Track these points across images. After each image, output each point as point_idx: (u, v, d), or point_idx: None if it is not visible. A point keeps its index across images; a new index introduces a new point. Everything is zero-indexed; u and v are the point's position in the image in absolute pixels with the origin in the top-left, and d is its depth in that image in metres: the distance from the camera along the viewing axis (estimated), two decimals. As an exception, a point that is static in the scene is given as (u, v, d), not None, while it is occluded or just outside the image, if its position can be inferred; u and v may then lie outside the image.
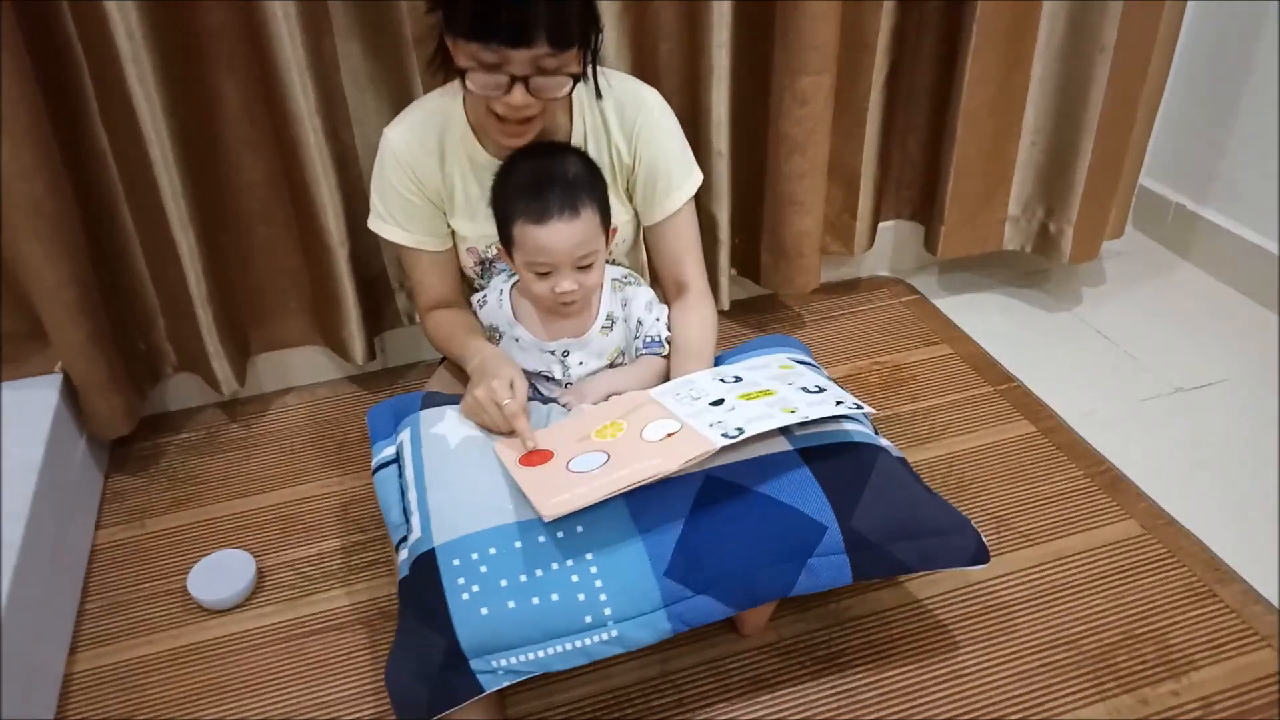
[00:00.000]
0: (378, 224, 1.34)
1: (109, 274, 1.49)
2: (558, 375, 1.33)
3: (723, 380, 1.22)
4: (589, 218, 1.21)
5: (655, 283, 1.45)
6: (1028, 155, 1.82)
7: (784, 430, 1.17)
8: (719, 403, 1.16)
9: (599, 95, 1.27)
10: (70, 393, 1.47)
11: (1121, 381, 1.72)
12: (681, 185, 1.33)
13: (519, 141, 1.23)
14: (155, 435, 1.65)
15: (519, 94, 1.14)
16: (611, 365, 1.34)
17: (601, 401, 1.26)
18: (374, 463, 1.25)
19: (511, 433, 1.17)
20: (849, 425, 1.21)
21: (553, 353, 1.31)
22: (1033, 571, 1.33)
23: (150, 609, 1.33)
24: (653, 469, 1.05)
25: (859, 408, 1.16)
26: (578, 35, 1.14)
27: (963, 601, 1.29)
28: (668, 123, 1.32)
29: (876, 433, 1.27)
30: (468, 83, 1.15)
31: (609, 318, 1.31)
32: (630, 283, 1.34)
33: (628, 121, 1.29)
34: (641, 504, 1.08)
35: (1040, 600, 1.29)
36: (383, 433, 1.28)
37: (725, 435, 1.08)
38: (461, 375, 1.34)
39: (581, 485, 1.06)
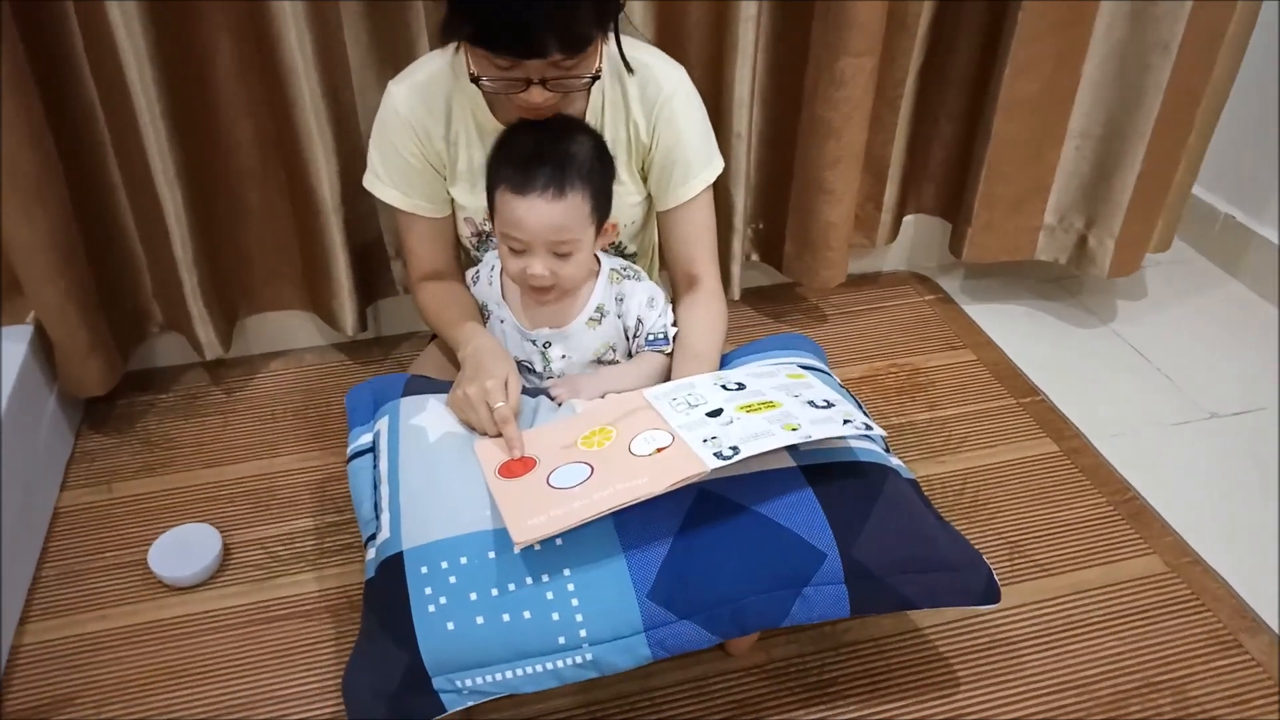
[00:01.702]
0: (374, 183, 1.26)
1: (96, 229, 1.41)
2: (537, 367, 1.25)
3: (724, 386, 1.13)
4: (575, 203, 1.11)
5: (663, 270, 1.36)
6: (1071, 160, 1.70)
7: (789, 446, 1.08)
8: (717, 413, 1.07)
9: (629, 70, 1.19)
10: (43, 346, 1.40)
11: (1153, 402, 1.62)
12: (700, 173, 1.25)
13: (540, 117, 1.14)
14: (135, 394, 1.58)
15: (537, 94, 1.08)
16: (599, 361, 1.25)
17: (595, 399, 1.18)
18: (349, 450, 1.17)
19: (499, 435, 1.10)
20: (857, 442, 1.12)
21: (533, 342, 1.23)
22: (1046, 605, 1.25)
23: (108, 581, 1.26)
24: (636, 490, 0.97)
25: (868, 429, 1.07)
26: (594, 32, 1.06)
27: (969, 633, 1.21)
28: (691, 105, 1.24)
29: (888, 450, 1.18)
30: (483, 84, 1.09)
31: (599, 310, 1.22)
32: (630, 276, 1.25)
33: (649, 100, 1.21)
34: (627, 517, 1.01)
35: (1052, 637, 1.21)
36: (361, 418, 1.20)
37: (719, 455, 0.99)
38: (454, 357, 1.27)
39: (558, 506, 0.98)
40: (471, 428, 1.13)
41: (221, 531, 1.30)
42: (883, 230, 1.83)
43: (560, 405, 1.20)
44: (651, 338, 1.24)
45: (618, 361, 1.27)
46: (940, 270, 1.95)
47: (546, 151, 1.11)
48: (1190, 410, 1.60)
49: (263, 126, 1.41)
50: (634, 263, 1.33)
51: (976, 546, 1.29)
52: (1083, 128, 1.67)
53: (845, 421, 1.07)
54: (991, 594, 1.07)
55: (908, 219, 1.87)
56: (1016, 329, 1.79)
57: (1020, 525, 1.37)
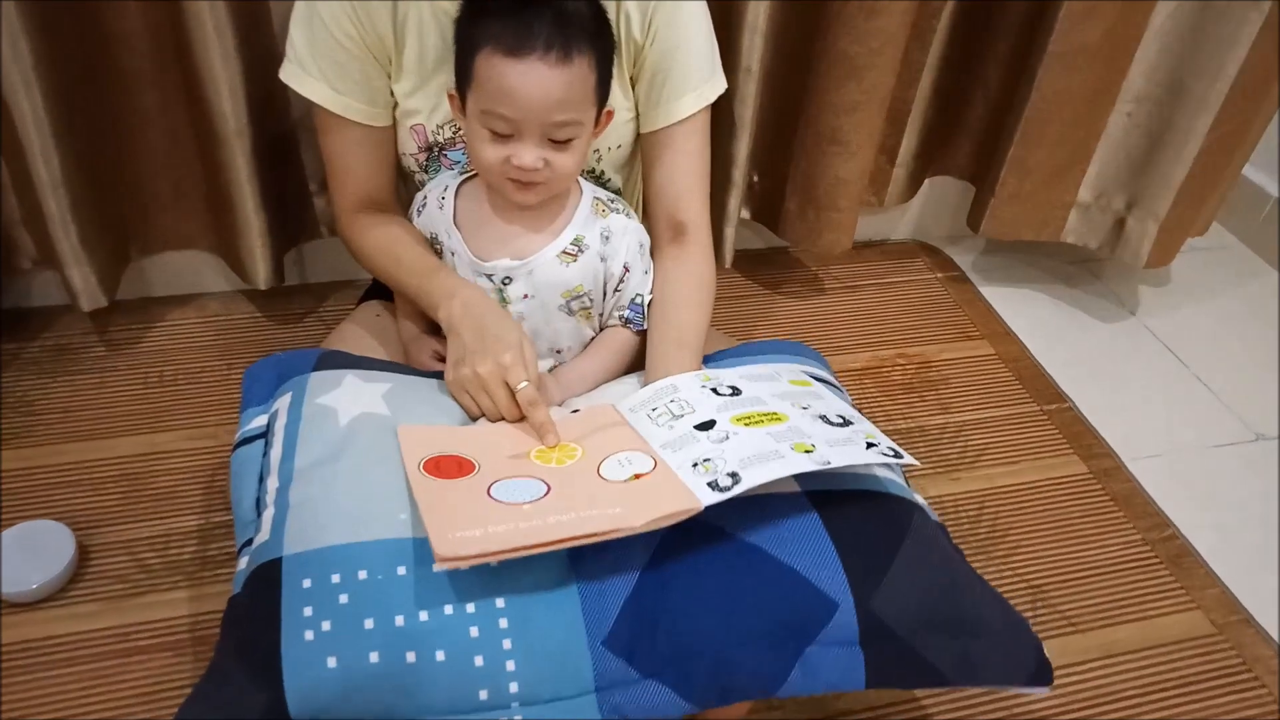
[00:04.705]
0: (295, 74, 0.97)
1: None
2: None
3: (715, 391, 0.90)
4: (581, 70, 0.87)
5: (644, 218, 1.11)
6: (1120, 129, 1.46)
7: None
8: (708, 426, 0.84)
9: None
10: None
11: (1191, 418, 1.41)
12: (699, 87, 1.00)
13: None
14: (-4, 340, 1.30)
15: None
16: (568, 309, 1.00)
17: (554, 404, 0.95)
18: (238, 435, 0.92)
19: (521, 419, 0.89)
20: (878, 471, 0.90)
21: (489, 277, 0.97)
22: (1073, 671, 1.05)
23: (-71, 589, 1.01)
24: (605, 521, 0.75)
25: (896, 455, 0.85)
26: None
27: (982, 705, 1.01)
28: (696, 4, 0.98)
29: (909, 485, 0.96)
30: None
31: (576, 242, 0.97)
32: (618, 210, 1.00)
33: None
34: None
35: (1077, 713, 1.01)
36: (258, 397, 0.95)
37: (714, 486, 0.77)
38: (392, 321, 1.04)
39: (500, 521, 0.75)
40: (471, 416, 0.91)
41: (77, 530, 1.05)
42: (895, 189, 1.59)
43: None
44: (635, 303, 1.01)
45: (589, 309, 1.02)
46: (952, 241, 1.72)
47: (543, 2, 0.85)
48: (1234, 429, 1.40)
49: (156, 18, 1.12)
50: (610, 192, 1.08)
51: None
52: (1140, 91, 1.42)
53: (869, 445, 0.85)
54: (1043, 674, 0.85)
55: (928, 180, 1.63)
56: (1039, 318, 1.57)
57: (1045, 566, 1.16)
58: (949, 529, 1.16)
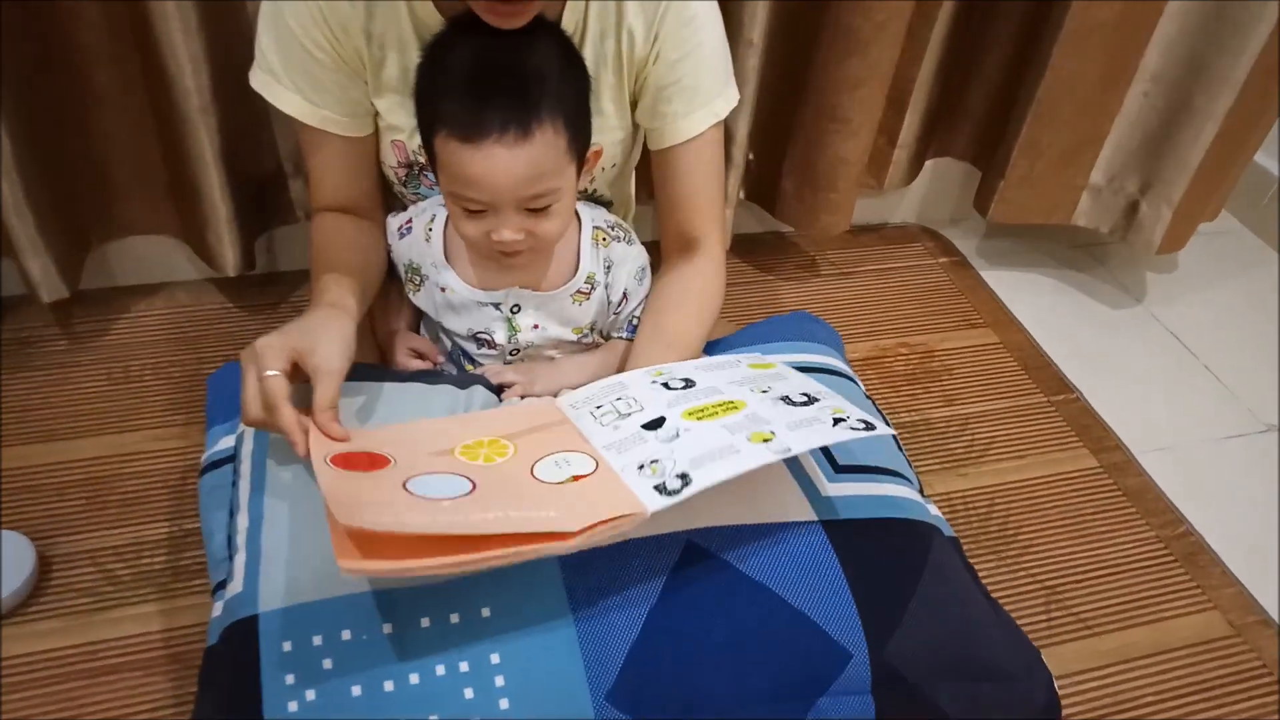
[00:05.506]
0: (266, 83, 0.90)
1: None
2: (499, 338, 0.95)
3: (666, 385, 0.82)
4: (548, 140, 0.80)
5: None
6: (1135, 109, 1.41)
7: (807, 486, 0.81)
8: (656, 424, 0.77)
9: None
10: None
11: (1200, 408, 1.38)
12: (711, 101, 0.93)
13: (514, 22, 0.80)
14: (-52, 333, 1.23)
15: None
16: (579, 345, 0.97)
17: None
18: (204, 458, 0.85)
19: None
20: (894, 488, 0.86)
21: (496, 306, 0.93)
22: (1090, 676, 1.02)
23: (-124, 605, 0.94)
24: (538, 522, 0.65)
25: (867, 427, 0.77)
26: None
27: (1000, 715, 0.97)
28: (708, 11, 0.91)
29: (924, 494, 0.91)
30: None
31: (589, 281, 0.93)
32: (619, 238, 0.96)
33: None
34: (583, 574, 0.74)
35: (1098, 718, 0.97)
36: (224, 411, 0.88)
37: (661, 489, 0.69)
38: (365, 320, 0.95)
39: (417, 513, 0.65)
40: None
41: (37, 540, 0.98)
42: (895, 172, 1.53)
43: (506, 395, 0.91)
44: (634, 325, 0.97)
45: (595, 344, 0.99)
46: (952, 225, 1.67)
47: (493, 69, 0.79)
48: (1244, 420, 1.36)
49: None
50: (610, 214, 1.02)
51: (1009, 594, 1.07)
52: (1157, 70, 1.37)
53: (836, 421, 0.77)
54: (1050, 709, 0.82)
55: (928, 162, 1.57)
56: (1041, 305, 1.52)
57: (1058, 566, 1.12)
58: (960, 529, 1.12)
